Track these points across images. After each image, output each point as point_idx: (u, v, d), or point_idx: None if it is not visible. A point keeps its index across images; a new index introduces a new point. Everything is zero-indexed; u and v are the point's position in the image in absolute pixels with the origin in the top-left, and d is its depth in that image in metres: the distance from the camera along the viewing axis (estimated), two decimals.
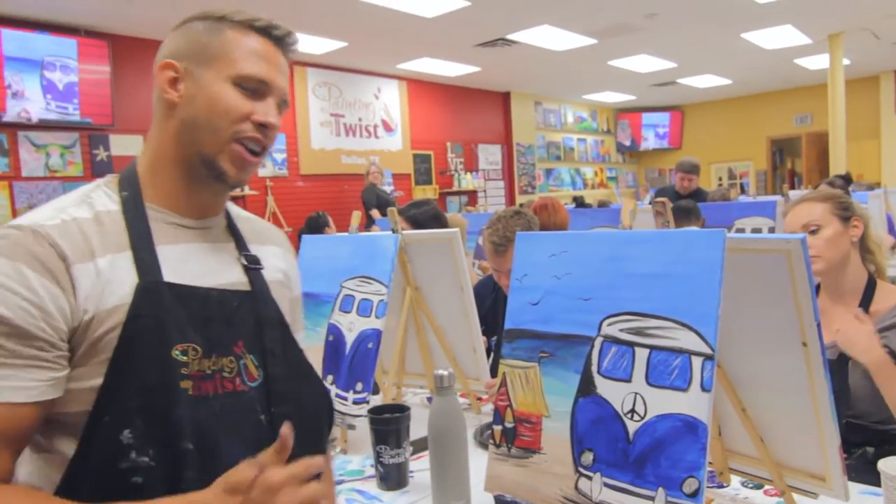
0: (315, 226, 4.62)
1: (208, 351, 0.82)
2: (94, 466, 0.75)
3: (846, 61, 8.01)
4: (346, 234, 1.73)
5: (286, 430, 0.74)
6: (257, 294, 0.91)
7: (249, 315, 0.89)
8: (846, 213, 1.54)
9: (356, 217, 1.75)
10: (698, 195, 4.55)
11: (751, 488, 1.24)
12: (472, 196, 9.64)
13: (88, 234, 0.80)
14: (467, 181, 9.48)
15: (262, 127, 0.87)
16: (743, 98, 11.72)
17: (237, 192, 6.86)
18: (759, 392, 1.07)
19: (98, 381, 0.75)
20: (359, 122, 8.18)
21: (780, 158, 12.19)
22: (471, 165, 9.77)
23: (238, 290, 0.90)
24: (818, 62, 8.76)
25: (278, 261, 1.00)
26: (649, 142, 12.62)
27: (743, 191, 10.53)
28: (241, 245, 0.95)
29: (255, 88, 0.86)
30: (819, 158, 10.81)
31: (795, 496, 1.09)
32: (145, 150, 0.90)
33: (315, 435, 0.93)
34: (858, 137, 9.83)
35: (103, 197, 0.86)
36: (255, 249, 0.96)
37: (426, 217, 2.46)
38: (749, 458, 1.14)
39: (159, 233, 0.85)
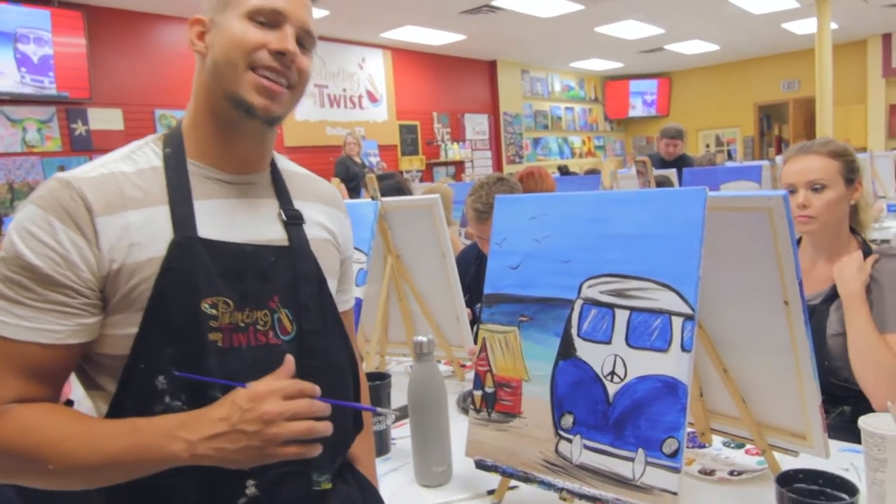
0: None
1: (241, 304, 0.83)
2: (132, 407, 0.79)
3: (834, 25, 7.96)
4: None
5: (290, 356, 0.80)
6: (295, 249, 0.91)
7: (287, 270, 0.89)
8: (852, 175, 1.47)
9: (335, 184, 1.72)
10: (684, 161, 4.51)
11: (732, 448, 1.25)
12: (459, 166, 9.59)
13: (124, 188, 0.82)
14: (454, 151, 9.42)
15: (280, 55, 0.85)
16: (730, 64, 11.66)
17: None
18: (740, 352, 1.07)
19: (134, 329, 0.79)
20: (343, 92, 8.06)
21: (767, 125, 12.18)
22: (457, 135, 9.69)
23: (275, 245, 0.90)
24: (806, 26, 8.71)
25: (326, 219, 1.00)
26: (637, 109, 12.55)
27: (730, 157, 10.54)
28: (284, 200, 0.95)
29: (269, 20, 0.86)
30: (806, 124, 10.81)
31: (776, 455, 1.09)
32: (188, 107, 0.91)
33: (343, 391, 0.95)
34: (845, 102, 9.83)
35: (149, 153, 0.88)
36: (299, 205, 0.96)
37: (389, 191, 2.44)
38: (730, 418, 1.14)
39: (199, 188, 0.86)
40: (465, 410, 1.47)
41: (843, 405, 1.44)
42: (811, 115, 9.50)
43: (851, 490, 0.78)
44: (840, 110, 8.80)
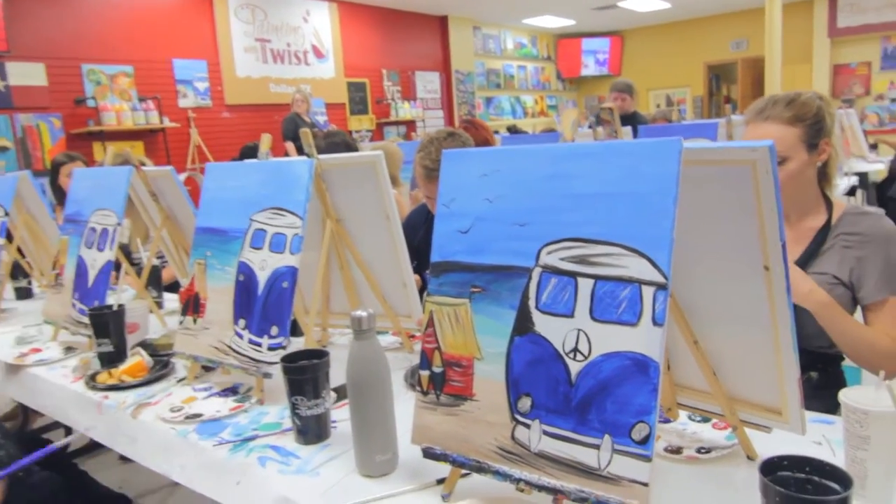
0: (251, 157, 4.33)
1: None
2: None
3: None
4: (254, 160, 1.53)
5: None
6: None
7: None
8: (816, 140, 1.36)
9: (266, 140, 1.54)
10: (636, 119, 4.39)
11: (698, 422, 1.16)
12: (410, 126, 9.35)
13: None
14: (405, 110, 9.16)
15: None
16: (681, 23, 11.63)
17: (155, 124, 6.39)
18: (712, 322, 0.97)
19: None
20: (287, 47, 7.69)
21: (716, 84, 12.27)
22: (408, 94, 9.42)
23: None
24: None
25: None
26: (589, 69, 12.45)
27: (681, 117, 10.57)
28: None
29: None
30: (754, 84, 10.92)
31: (748, 430, 1.01)
32: None
33: None
34: (792, 62, 9.93)
35: None
36: None
37: (335, 150, 2.26)
38: (699, 392, 1.05)
39: None
40: (413, 387, 1.36)
41: (810, 371, 1.39)
42: (759, 74, 9.56)
43: (844, 480, 0.69)
44: (787, 70, 8.87)
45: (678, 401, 1.10)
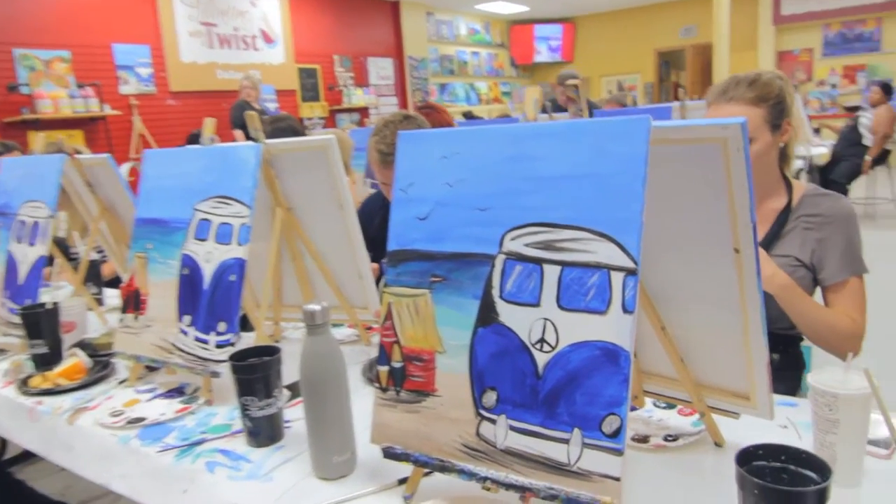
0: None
1: None
2: None
3: None
4: (197, 146, 1.44)
5: None
6: None
7: None
8: (779, 121, 1.34)
9: (210, 124, 1.45)
10: (588, 106, 4.45)
11: (663, 408, 1.14)
12: (363, 113, 9.20)
13: None
14: (358, 97, 9.01)
15: None
16: (633, 9, 11.75)
17: (95, 112, 6.11)
18: (680, 307, 0.94)
19: None
20: (234, 32, 7.44)
21: (666, 71, 12.45)
22: (361, 80, 9.27)
23: None
24: None
25: None
26: (542, 55, 12.48)
27: (634, 101, 10.70)
28: None
29: None
30: (702, 70, 11.12)
31: (715, 416, 0.99)
32: None
33: None
34: (738, 49, 10.14)
35: None
36: None
37: (282, 134, 2.17)
38: (666, 378, 1.03)
39: None
40: (371, 381, 1.30)
41: (772, 353, 1.38)
42: (708, 61, 9.75)
43: (821, 469, 0.67)
44: (734, 57, 9.05)
45: (644, 388, 1.07)
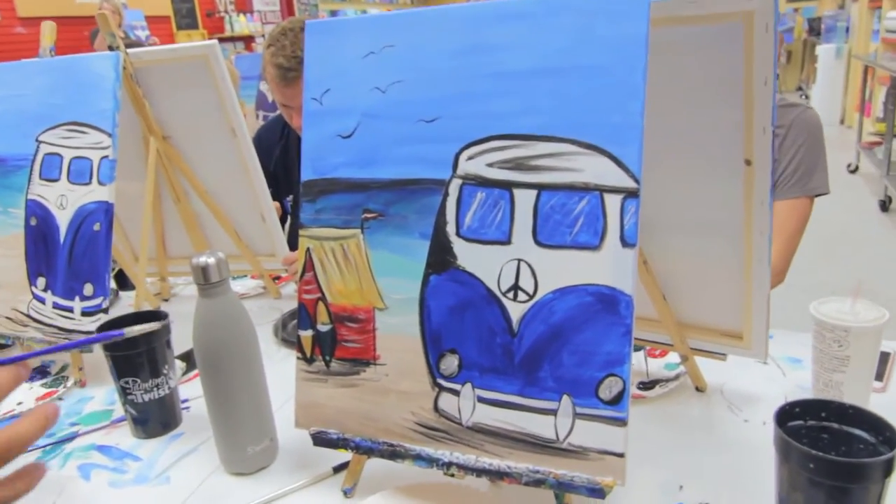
0: None
1: None
2: None
3: None
4: (34, 59, 1.11)
5: None
6: None
7: None
8: None
9: (49, 29, 1.12)
10: None
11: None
12: (248, 42, 8.51)
13: None
14: (241, 25, 8.29)
15: None
16: None
17: None
18: (667, 236, 0.78)
19: None
20: None
21: None
22: (244, 6, 8.51)
23: None
24: None
25: None
26: None
27: None
28: None
29: None
30: None
31: (698, 360, 0.87)
32: None
33: None
34: None
35: None
36: None
37: None
38: (642, 319, 0.88)
39: None
40: (287, 342, 1.09)
41: None
42: None
43: (877, 425, 0.54)
44: None
45: None
